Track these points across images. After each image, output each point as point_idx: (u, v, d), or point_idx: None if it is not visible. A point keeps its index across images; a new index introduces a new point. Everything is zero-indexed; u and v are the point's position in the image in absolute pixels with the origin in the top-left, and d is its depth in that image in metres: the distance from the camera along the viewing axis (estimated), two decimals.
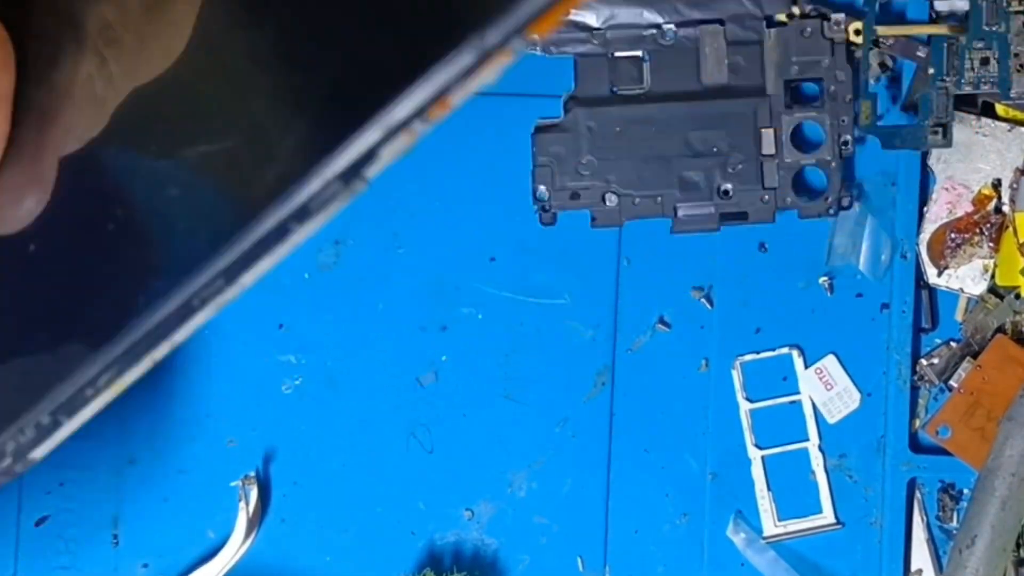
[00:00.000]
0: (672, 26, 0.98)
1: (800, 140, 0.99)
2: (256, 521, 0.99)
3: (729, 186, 0.98)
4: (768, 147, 0.98)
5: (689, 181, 0.98)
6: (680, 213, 0.98)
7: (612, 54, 0.99)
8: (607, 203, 0.99)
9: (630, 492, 1.00)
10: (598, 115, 0.98)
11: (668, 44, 0.99)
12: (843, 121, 0.98)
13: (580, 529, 1.00)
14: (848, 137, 0.98)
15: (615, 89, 0.99)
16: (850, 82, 0.98)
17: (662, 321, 1.00)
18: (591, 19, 0.99)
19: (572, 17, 0.99)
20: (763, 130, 0.98)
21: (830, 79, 0.98)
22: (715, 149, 0.98)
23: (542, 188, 0.99)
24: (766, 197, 0.98)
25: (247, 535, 0.98)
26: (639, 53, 0.99)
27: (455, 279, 1.00)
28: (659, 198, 0.98)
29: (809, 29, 0.98)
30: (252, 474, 0.99)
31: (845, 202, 0.99)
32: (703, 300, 1.00)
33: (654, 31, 0.98)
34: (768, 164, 0.98)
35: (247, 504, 0.98)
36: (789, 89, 0.98)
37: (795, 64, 0.98)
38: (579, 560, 1.00)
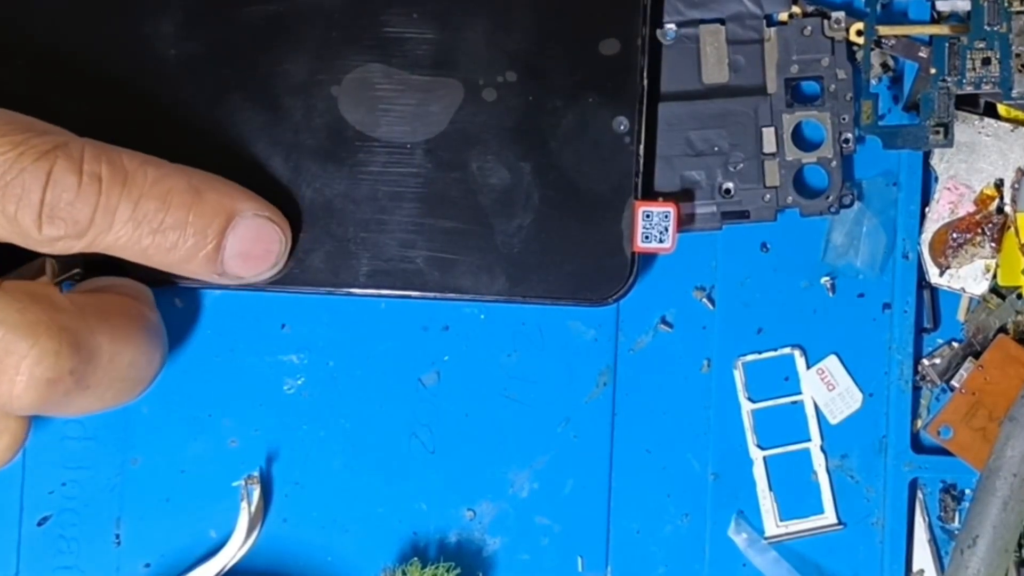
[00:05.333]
0: (672, 25, 0.99)
1: (801, 139, 0.99)
2: (258, 521, 0.99)
3: (731, 185, 0.98)
4: (769, 146, 0.98)
5: (691, 180, 0.98)
6: (682, 212, 0.98)
7: None
8: None
9: (632, 492, 1.00)
10: None
11: (668, 44, 0.99)
12: (844, 119, 0.98)
13: (581, 529, 1.00)
14: (849, 135, 0.98)
15: None
16: (851, 80, 0.98)
17: (664, 321, 1.00)
18: None
19: None
20: (764, 129, 0.98)
21: (830, 77, 0.98)
22: (716, 148, 0.98)
23: None
24: (767, 196, 0.98)
25: (249, 535, 0.98)
26: None
27: None
28: (660, 198, 0.98)
29: (809, 28, 0.98)
30: (254, 474, 0.99)
31: (846, 200, 0.99)
32: (705, 300, 1.00)
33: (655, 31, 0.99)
34: (769, 163, 0.98)
35: (249, 504, 0.98)
36: (790, 88, 0.99)
37: (796, 63, 0.98)
38: (579, 560, 1.00)
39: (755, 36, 0.99)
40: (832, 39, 0.98)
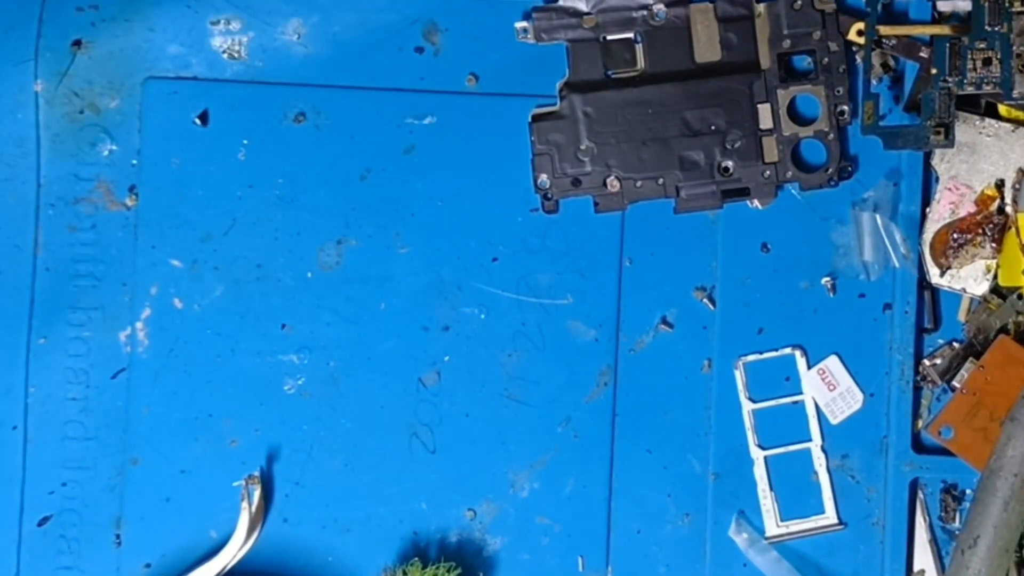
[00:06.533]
0: (662, 6, 0.99)
1: (797, 113, 0.99)
2: (258, 521, 0.99)
3: (729, 163, 0.99)
4: (765, 122, 0.99)
5: (689, 160, 0.98)
6: (682, 193, 0.98)
7: (603, 38, 0.99)
8: (609, 188, 0.99)
9: (632, 492, 1.00)
10: (594, 100, 0.99)
11: (659, 24, 0.99)
12: (838, 92, 0.98)
13: (582, 529, 1.00)
14: (844, 107, 0.99)
15: (609, 73, 0.99)
16: (843, 52, 0.98)
17: (664, 321, 1.00)
18: (580, 3, 0.99)
19: (561, 3, 0.99)
20: (759, 105, 0.99)
21: (823, 51, 0.98)
22: (713, 127, 0.98)
23: (543, 177, 0.99)
24: (767, 172, 0.98)
25: (249, 535, 0.98)
26: (630, 35, 0.99)
27: (457, 279, 1.00)
28: (660, 179, 0.99)
29: (799, 2, 0.98)
30: (255, 474, 0.99)
31: (845, 172, 0.99)
32: (705, 300, 1.00)
33: (644, 12, 0.99)
34: (767, 139, 0.98)
35: (249, 504, 0.98)
36: (783, 63, 0.99)
37: (787, 37, 0.99)
38: (580, 560, 1.00)
39: (745, 13, 0.99)
40: (822, 12, 0.98)
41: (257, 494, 0.99)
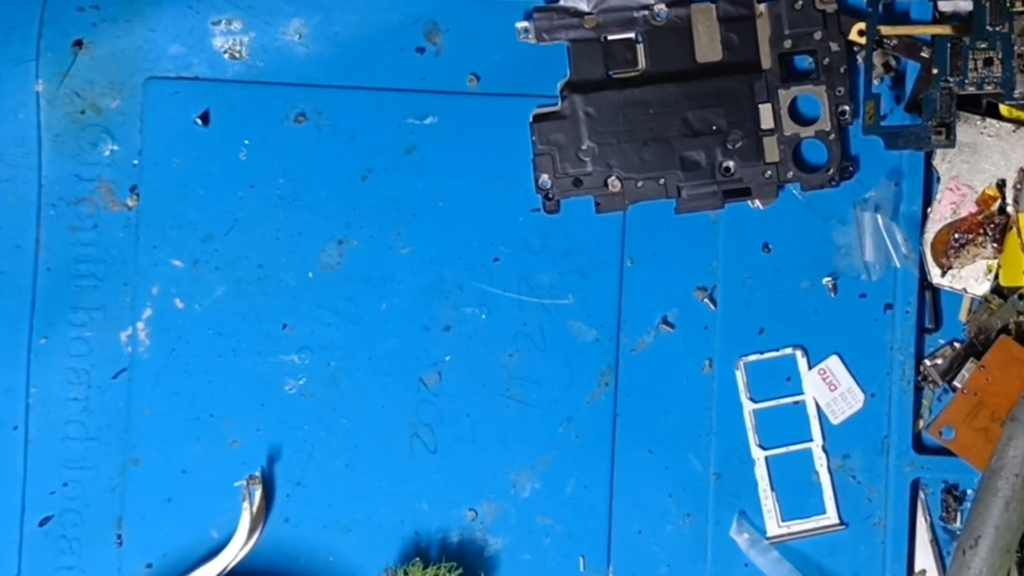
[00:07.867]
0: (663, 6, 0.99)
1: (798, 113, 0.99)
2: (259, 521, 0.99)
3: (730, 163, 0.99)
4: (767, 122, 0.99)
5: (690, 161, 0.99)
6: (684, 193, 0.99)
7: (605, 37, 0.99)
8: (610, 188, 0.99)
9: (633, 492, 1.00)
10: (595, 100, 0.99)
11: (660, 24, 0.99)
12: (840, 92, 0.99)
13: (583, 529, 1.00)
14: (846, 107, 0.99)
15: (610, 73, 0.99)
16: (844, 52, 0.98)
17: (666, 321, 1.00)
18: (581, 3, 0.99)
19: (562, 3, 0.99)
20: (761, 105, 0.99)
21: (824, 51, 0.99)
22: (714, 127, 0.98)
23: (544, 177, 0.99)
24: (768, 172, 0.99)
25: (250, 535, 0.98)
26: (632, 35, 0.99)
27: (458, 279, 1.00)
28: (662, 180, 0.99)
29: (800, 2, 0.98)
30: (256, 474, 0.99)
31: (847, 172, 0.99)
32: (707, 300, 1.00)
33: (645, 12, 0.99)
34: (768, 139, 0.99)
35: (250, 504, 0.98)
36: (784, 63, 0.99)
37: (788, 37, 0.99)
38: (581, 560, 1.00)
39: (746, 13, 0.99)
40: (823, 12, 0.99)
41: (258, 494, 0.99)
